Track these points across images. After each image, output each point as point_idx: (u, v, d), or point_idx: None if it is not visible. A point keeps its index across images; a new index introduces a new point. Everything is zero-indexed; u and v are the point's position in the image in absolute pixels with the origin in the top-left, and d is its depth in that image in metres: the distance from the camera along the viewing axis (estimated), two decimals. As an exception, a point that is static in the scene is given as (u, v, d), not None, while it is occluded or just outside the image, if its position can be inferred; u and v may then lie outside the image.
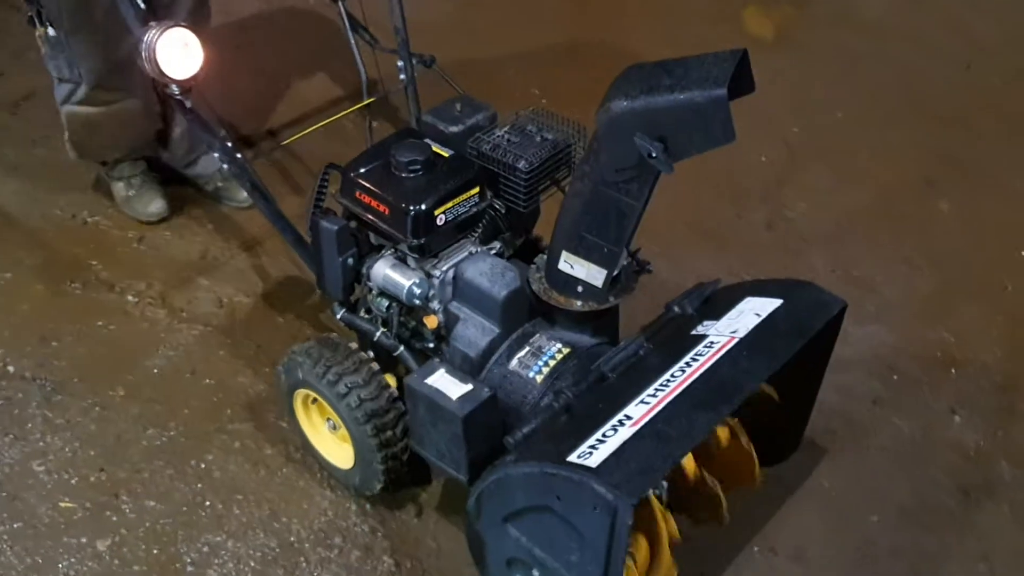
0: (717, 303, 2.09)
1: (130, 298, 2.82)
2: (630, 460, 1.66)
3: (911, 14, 4.27)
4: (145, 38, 2.06)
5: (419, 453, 2.10)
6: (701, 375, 1.84)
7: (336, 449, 2.34)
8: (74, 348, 2.68)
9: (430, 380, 1.94)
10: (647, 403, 1.79)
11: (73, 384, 2.58)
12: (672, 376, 1.85)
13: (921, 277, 2.99)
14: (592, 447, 1.69)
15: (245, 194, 2.80)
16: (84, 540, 2.25)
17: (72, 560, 2.21)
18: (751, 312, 1.99)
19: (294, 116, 3.51)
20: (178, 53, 2.09)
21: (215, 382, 2.60)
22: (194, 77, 2.13)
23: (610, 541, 1.66)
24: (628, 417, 1.76)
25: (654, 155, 1.76)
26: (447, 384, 1.93)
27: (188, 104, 2.20)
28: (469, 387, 1.92)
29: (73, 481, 2.37)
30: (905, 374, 2.68)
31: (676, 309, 2.09)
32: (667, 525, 1.90)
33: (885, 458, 2.46)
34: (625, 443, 1.69)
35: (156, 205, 3.06)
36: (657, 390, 1.82)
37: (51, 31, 2.60)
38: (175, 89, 2.15)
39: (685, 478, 1.98)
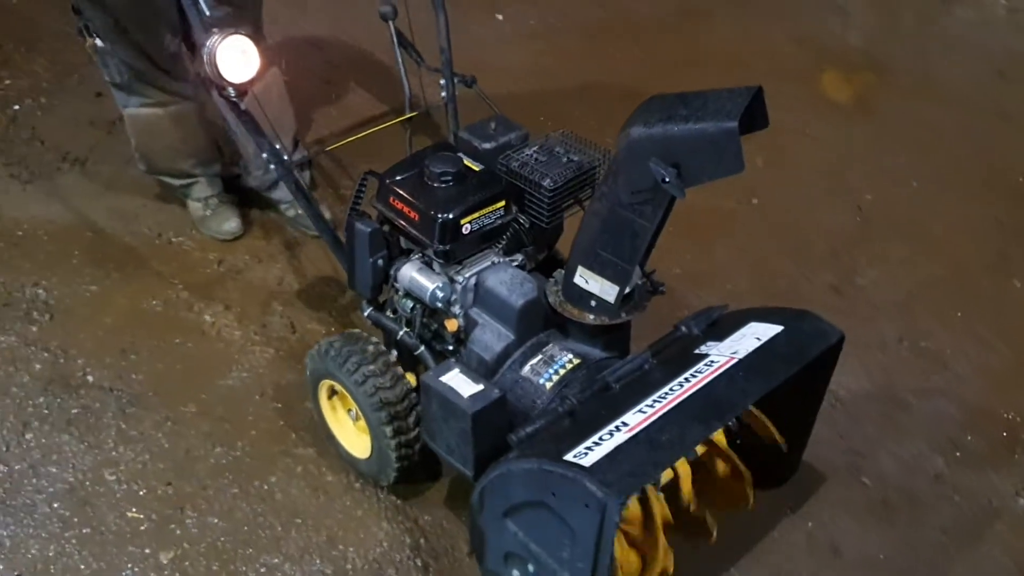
0: (723, 326, 2.18)
1: (207, 318, 2.92)
2: (623, 462, 1.76)
3: (993, 89, 4.25)
4: (208, 43, 2.19)
5: (431, 447, 2.20)
6: (698, 390, 1.94)
7: (355, 439, 2.47)
8: (152, 363, 2.78)
9: (444, 378, 2.05)
10: (644, 412, 1.89)
11: (148, 397, 2.68)
12: (671, 390, 1.95)
13: (991, 354, 2.96)
14: (588, 448, 1.79)
15: None
16: (148, 551, 2.32)
17: (136, 570, 2.28)
18: (752, 336, 2.09)
19: (343, 127, 3.68)
20: (236, 58, 2.22)
21: (283, 406, 2.68)
22: (250, 82, 2.27)
23: (599, 538, 1.74)
24: (625, 424, 1.86)
25: (667, 180, 1.87)
26: (460, 383, 2.03)
27: (242, 107, 2.34)
28: (480, 387, 2.02)
29: (142, 492, 2.45)
30: (969, 451, 2.64)
31: (683, 329, 2.19)
32: (660, 507, 1.98)
33: (944, 535, 2.43)
34: (619, 447, 1.79)
35: (231, 224, 3.20)
36: (655, 401, 1.92)
37: (98, 42, 2.79)
38: (231, 92, 2.28)
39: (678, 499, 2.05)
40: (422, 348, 2.34)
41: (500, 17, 4.45)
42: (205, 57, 2.20)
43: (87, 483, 2.46)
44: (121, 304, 2.96)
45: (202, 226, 3.23)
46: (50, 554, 2.30)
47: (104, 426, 2.60)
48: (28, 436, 2.56)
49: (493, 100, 2.56)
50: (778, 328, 2.10)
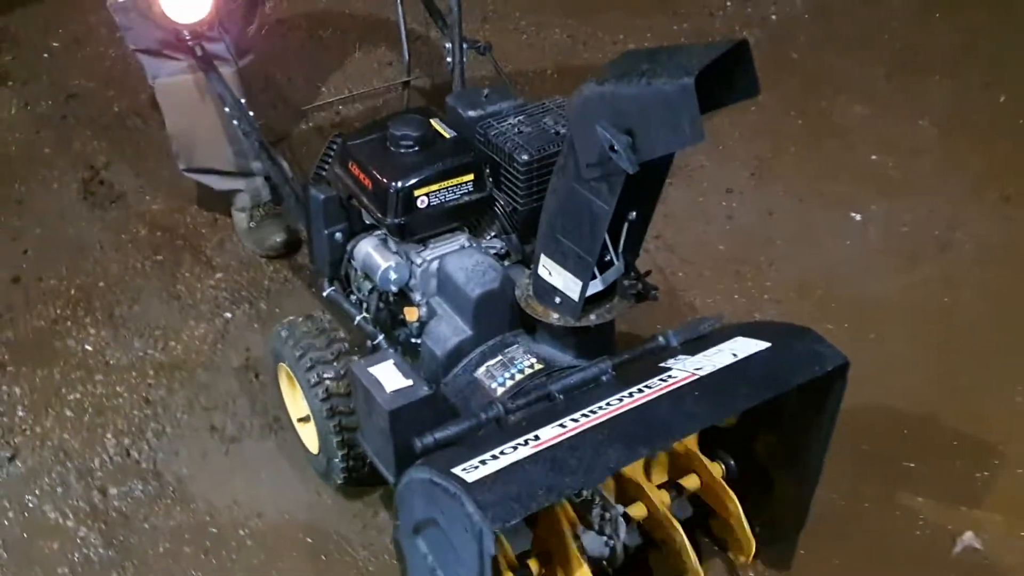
0: (707, 340, 1.88)
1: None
2: (510, 483, 1.50)
3: None
4: None
5: (360, 445, 1.98)
6: (635, 408, 1.66)
7: (308, 431, 2.20)
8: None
9: (372, 368, 1.83)
10: (564, 427, 1.62)
11: None
12: (607, 404, 1.67)
13: None
14: (482, 461, 1.55)
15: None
16: None
17: None
18: (729, 351, 1.79)
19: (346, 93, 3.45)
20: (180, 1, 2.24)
21: None
22: (200, 23, 2.31)
23: (480, 568, 1.47)
24: (537, 438, 1.61)
25: (616, 148, 1.59)
26: (388, 375, 1.81)
27: (199, 52, 2.35)
28: (409, 383, 1.79)
29: None
30: None
31: (661, 340, 1.93)
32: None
33: None
34: (516, 463, 1.53)
35: (276, 238, 2.94)
36: (583, 416, 1.65)
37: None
38: (186, 34, 2.32)
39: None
40: (380, 338, 2.08)
41: (857, 217, 3.19)
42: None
43: None
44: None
45: (246, 240, 3.00)
46: None
47: None
48: None
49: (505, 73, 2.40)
50: (764, 345, 1.79)
